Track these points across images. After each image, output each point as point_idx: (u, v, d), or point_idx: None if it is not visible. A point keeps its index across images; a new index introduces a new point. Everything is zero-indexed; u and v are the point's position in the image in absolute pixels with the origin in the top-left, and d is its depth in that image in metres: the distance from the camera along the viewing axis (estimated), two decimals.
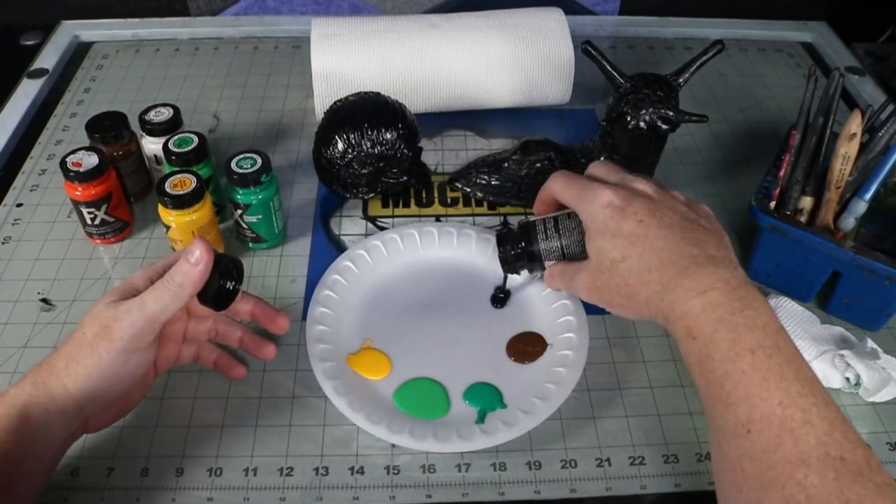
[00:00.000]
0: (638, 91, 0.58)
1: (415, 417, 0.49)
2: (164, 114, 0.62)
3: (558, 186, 0.50)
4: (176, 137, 0.60)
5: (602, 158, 0.63)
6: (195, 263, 0.44)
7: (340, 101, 0.63)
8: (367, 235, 0.63)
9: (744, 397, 0.37)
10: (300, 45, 0.87)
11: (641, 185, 0.47)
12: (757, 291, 0.41)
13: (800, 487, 0.34)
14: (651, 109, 0.58)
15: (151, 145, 0.62)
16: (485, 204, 0.67)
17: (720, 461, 0.38)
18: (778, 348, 0.38)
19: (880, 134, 0.53)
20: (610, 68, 0.60)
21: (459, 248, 0.61)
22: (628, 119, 0.59)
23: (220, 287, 0.46)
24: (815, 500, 0.33)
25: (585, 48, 0.61)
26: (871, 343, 0.52)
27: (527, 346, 0.54)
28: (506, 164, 0.65)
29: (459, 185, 0.67)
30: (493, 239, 0.60)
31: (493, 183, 0.66)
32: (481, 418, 0.49)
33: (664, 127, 0.58)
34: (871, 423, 0.51)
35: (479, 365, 0.53)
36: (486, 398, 0.51)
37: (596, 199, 0.46)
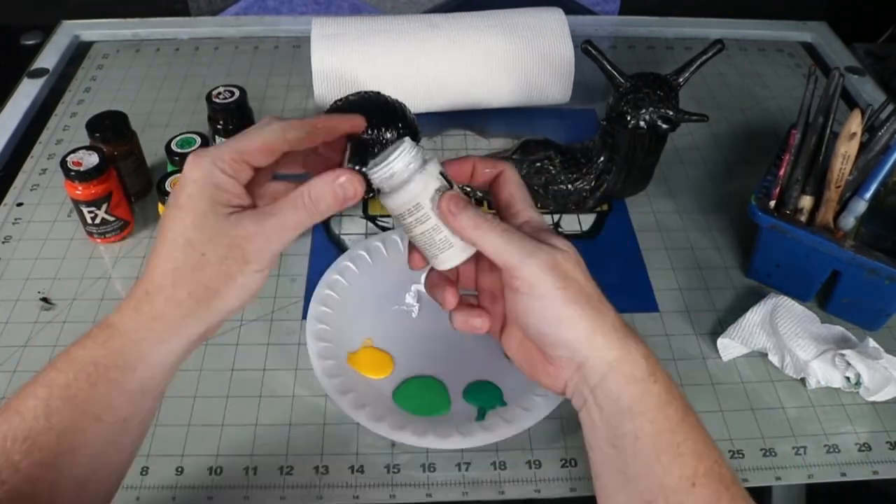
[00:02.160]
0: (638, 91, 0.59)
1: (415, 415, 0.49)
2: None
3: (465, 222, 0.38)
4: (179, 138, 0.60)
5: (601, 159, 0.63)
6: (343, 199, 0.38)
7: (341, 100, 0.63)
8: (367, 235, 0.63)
9: (691, 452, 0.36)
10: (300, 45, 0.87)
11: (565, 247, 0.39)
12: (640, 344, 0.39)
13: None
14: (651, 109, 0.58)
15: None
16: (485, 204, 0.67)
17: None
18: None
19: (880, 133, 0.53)
20: (610, 68, 0.60)
21: None
22: (628, 118, 0.59)
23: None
24: None
25: (585, 48, 0.61)
26: (872, 342, 0.52)
27: None
28: None
29: (460, 186, 0.67)
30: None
31: None
32: (482, 416, 0.49)
33: (664, 126, 0.58)
34: (871, 423, 0.51)
35: (480, 363, 0.53)
36: (487, 396, 0.51)
37: (551, 256, 0.37)
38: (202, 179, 0.36)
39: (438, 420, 0.49)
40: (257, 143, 0.37)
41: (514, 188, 0.41)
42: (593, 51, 0.60)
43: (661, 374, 0.38)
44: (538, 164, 0.64)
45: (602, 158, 0.63)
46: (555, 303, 0.37)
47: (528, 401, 0.49)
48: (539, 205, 0.66)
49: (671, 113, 0.58)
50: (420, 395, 0.51)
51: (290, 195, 0.37)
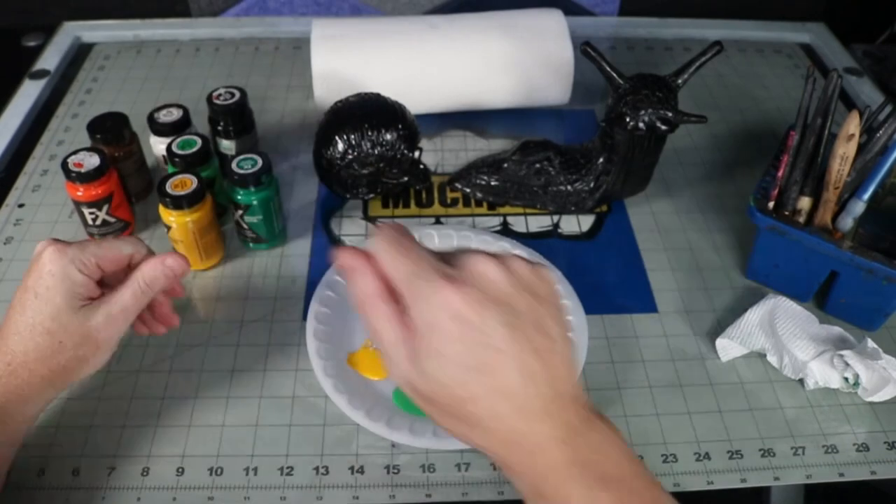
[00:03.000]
0: (637, 92, 0.59)
1: (414, 416, 0.49)
2: (174, 114, 0.63)
3: (387, 260, 0.36)
4: (179, 140, 0.60)
5: (601, 160, 0.63)
6: (173, 276, 0.46)
7: (341, 101, 0.64)
8: (367, 236, 0.64)
9: None
10: (301, 46, 0.87)
11: (483, 266, 0.35)
12: (600, 422, 0.36)
13: None
14: (650, 110, 0.58)
15: (159, 145, 0.63)
16: (484, 204, 0.67)
17: None
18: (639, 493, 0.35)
19: (878, 135, 0.54)
20: (609, 69, 0.61)
21: (455, 245, 0.61)
22: (627, 120, 0.59)
23: None
24: None
25: (585, 49, 0.61)
26: (871, 343, 0.52)
27: None
28: (505, 165, 0.65)
29: (459, 186, 0.67)
30: (491, 240, 0.60)
31: (492, 183, 0.66)
32: None
33: (663, 128, 0.58)
34: (869, 423, 0.51)
35: None
36: None
37: (437, 301, 0.34)
38: (59, 274, 0.43)
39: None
40: (112, 254, 0.45)
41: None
42: (592, 52, 0.61)
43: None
44: (537, 165, 0.64)
45: (601, 159, 0.63)
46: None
47: None
48: (538, 205, 0.66)
49: (670, 114, 0.58)
50: None
51: (127, 283, 0.45)
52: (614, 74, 0.61)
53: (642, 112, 0.58)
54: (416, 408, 0.49)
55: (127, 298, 0.44)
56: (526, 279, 0.36)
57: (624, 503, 0.34)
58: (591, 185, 0.64)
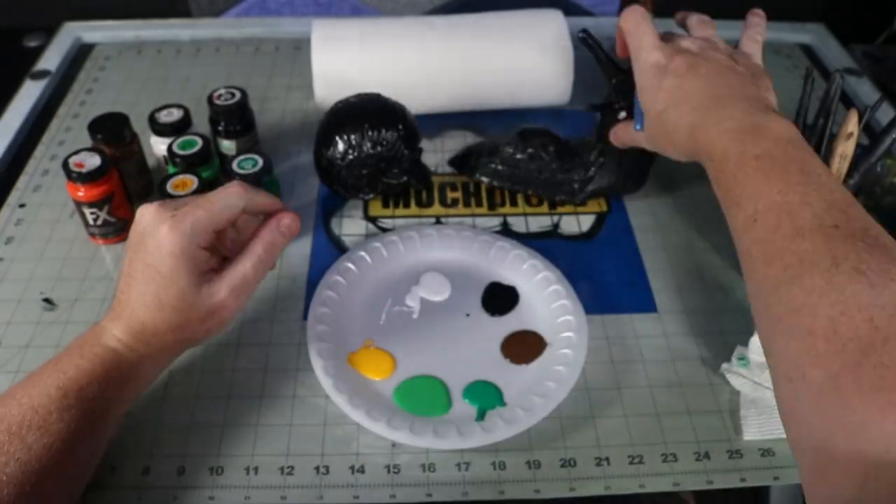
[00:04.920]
0: (631, 82, 0.58)
1: (415, 415, 0.50)
2: (174, 114, 0.63)
3: (629, 26, 0.55)
4: (180, 140, 0.60)
5: (594, 152, 0.63)
6: (289, 237, 0.48)
7: (341, 102, 0.64)
8: (367, 236, 0.64)
9: (749, 195, 0.41)
10: (301, 47, 0.87)
11: (686, 42, 0.54)
12: (778, 116, 0.46)
13: (794, 255, 0.37)
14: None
15: (160, 146, 0.63)
16: (484, 204, 0.67)
17: (740, 257, 0.42)
18: (785, 152, 0.42)
19: (882, 139, 0.53)
20: (605, 58, 0.61)
21: (460, 249, 0.61)
22: (616, 108, 0.59)
23: None
24: (806, 262, 0.36)
25: (582, 37, 0.60)
26: None
27: (523, 347, 0.54)
28: (501, 150, 0.66)
29: (478, 176, 0.67)
30: (491, 240, 0.61)
31: (499, 168, 0.66)
32: (481, 416, 0.49)
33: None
34: None
35: (480, 363, 0.53)
36: (486, 396, 0.51)
37: (644, 58, 0.53)
38: (181, 256, 0.43)
39: (438, 420, 0.49)
40: (225, 216, 0.45)
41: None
42: (589, 40, 0.60)
43: (756, 158, 0.43)
44: (531, 150, 0.64)
45: (595, 152, 0.63)
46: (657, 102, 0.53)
47: (528, 401, 0.49)
48: (530, 191, 0.66)
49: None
50: (420, 395, 0.51)
51: (247, 253, 0.46)
52: (609, 63, 0.61)
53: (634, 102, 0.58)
54: (416, 407, 0.50)
55: (248, 270, 0.45)
56: (718, 51, 0.55)
57: (771, 154, 0.43)
58: (583, 175, 0.65)
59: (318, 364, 0.51)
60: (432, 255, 0.61)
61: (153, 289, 0.43)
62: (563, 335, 0.54)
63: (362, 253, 0.59)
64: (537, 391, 0.50)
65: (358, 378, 0.52)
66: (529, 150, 0.64)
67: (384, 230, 0.64)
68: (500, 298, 0.58)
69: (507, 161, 0.66)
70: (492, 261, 0.60)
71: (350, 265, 0.58)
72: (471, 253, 0.61)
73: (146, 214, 0.44)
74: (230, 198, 0.45)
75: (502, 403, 0.50)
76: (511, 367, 0.53)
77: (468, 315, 0.56)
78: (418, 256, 0.60)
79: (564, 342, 0.53)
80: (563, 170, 0.65)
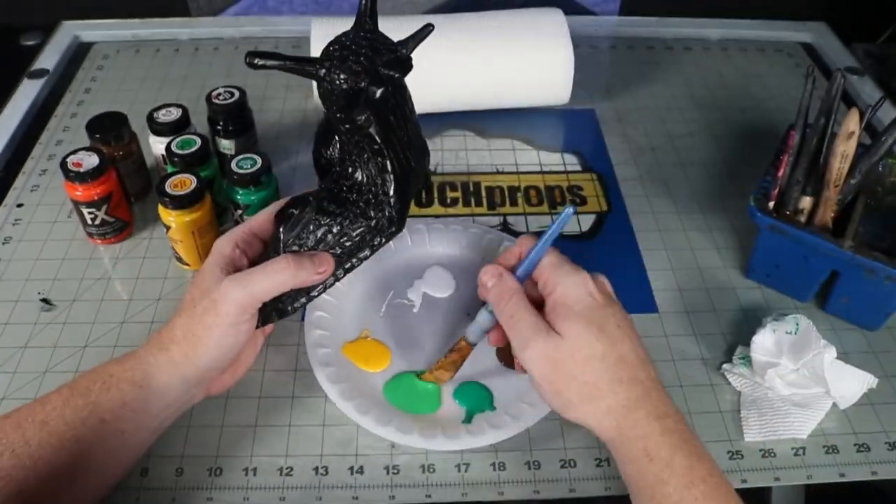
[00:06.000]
0: (344, 60, 0.44)
1: (404, 411, 0.49)
2: (173, 114, 0.62)
3: (547, 258, 0.46)
4: (179, 139, 0.60)
5: (367, 162, 0.47)
6: (318, 272, 0.47)
7: None
8: None
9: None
10: (300, 46, 0.87)
11: (608, 285, 0.46)
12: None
13: None
14: (367, 60, 0.43)
15: (158, 145, 0.62)
16: (484, 204, 0.67)
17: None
18: (721, 478, 0.40)
19: (883, 139, 0.53)
20: (294, 64, 0.44)
21: (468, 246, 0.60)
22: (360, 88, 0.43)
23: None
24: None
25: (251, 62, 0.44)
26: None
27: None
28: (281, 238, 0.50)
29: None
30: (498, 238, 0.60)
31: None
32: (469, 418, 0.49)
33: (401, 54, 0.45)
34: (870, 423, 0.51)
35: (474, 365, 0.52)
36: (476, 398, 0.50)
37: (582, 284, 0.44)
38: (216, 252, 0.47)
39: (425, 418, 0.49)
40: (263, 215, 0.49)
41: (543, 270, 0.46)
42: (260, 62, 0.44)
43: (659, 447, 0.41)
44: (298, 230, 0.48)
45: (367, 160, 0.48)
46: (545, 393, 0.43)
47: (517, 408, 0.49)
48: (347, 266, 0.49)
49: (395, 47, 0.45)
50: (410, 391, 0.51)
51: (270, 261, 0.46)
52: (303, 62, 0.44)
53: (358, 68, 0.43)
54: (406, 403, 0.49)
55: (256, 273, 0.45)
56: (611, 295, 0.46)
57: (714, 478, 0.40)
58: (380, 187, 0.48)
59: (312, 351, 0.51)
60: (439, 250, 0.60)
61: (214, 341, 0.44)
62: None
63: None
64: (527, 399, 0.49)
65: (352, 369, 0.52)
66: (296, 231, 0.49)
67: None
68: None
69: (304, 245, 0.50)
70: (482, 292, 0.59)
71: None
72: (478, 250, 0.60)
73: (226, 290, 0.45)
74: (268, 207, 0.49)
75: (492, 407, 0.50)
76: (505, 372, 0.53)
77: (469, 314, 0.56)
78: (425, 250, 0.60)
79: None
80: (356, 213, 0.48)
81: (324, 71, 0.44)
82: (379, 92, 0.43)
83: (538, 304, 0.45)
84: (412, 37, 0.47)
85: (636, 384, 0.42)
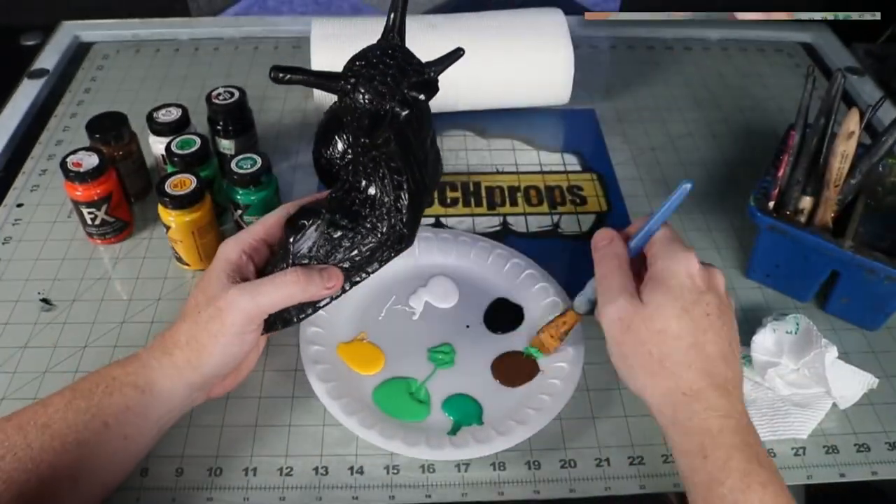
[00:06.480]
0: (369, 78, 0.43)
1: (389, 417, 0.49)
2: (173, 114, 0.62)
3: (660, 233, 0.46)
4: (179, 139, 0.60)
5: (385, 178, 0.47)
6: (326, 287, 0.46)
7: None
8: None
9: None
10: (300, 46, 0.87)
11: (719, 279, 0.45)
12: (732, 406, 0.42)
13: None
14: (394, 81, 0.43)
15: (158, 145, 0.62)
16: (484, 204, 0.67)
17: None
18: (782, 488, 0.40)
19: (883, 139, 0.53)
20: (319, 78, 0.46)
21: (474, 259, 0.60)
22: (384, 108, 0.42)
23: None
24: None
25: (275, 76, 0.45)
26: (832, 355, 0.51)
27: (515, 369, 0.52)
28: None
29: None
30: (507, 254, 0.59)
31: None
32: (454, 430, 0.49)
33: (429, 79, 0.44)
34: (870, 423, 0.51)
35: (467, 377, 0.52)
36: (465, 411, 0.50)
37: (684, 263, 0.44)
38: (222, 257, 0.46)
39: (411, 426, 0.49)
40: (271, 220, 0.48)
41: (653, 244, 0.46)
42: (284, 76, 0.45)
43: (716, 447, 0.40)
44: (304, 240, 0.48)
45: (383, 176, 0.47)
46: (613, 355, 0.45)
47: (504, 425, 0.48)
48: (355, 279, 0.49)
49: (426, 71, 0.45)
50: (399, 398, 0.50)
51: (279, 273, 0.46)
52: (328, 78, 0.45)
53: (384, 89, 0.42)
54: (394, 409, 0.49)
55: (264, 284, 0.45)
56: (730, 309, 0.45)
57: (774, 486, 0.39)
58: (393, 203, 0.47)
59: (305, 348, 0.51)
60: (446, 260, 0.60)
61: (220, 348, 0.44)
62: (557, 364, 0.52)
63: None
64: (516, 416, 0.49)
65: (343, 369, 0.51)
66: (304, 242, 0.48)
67: None
68: (503, 315, 0.56)
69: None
70: (504, 276, 0.58)
71: None
72: (484, 264, 0.59)
73: (232, 299, 0.44)
74: (275, 211, 0.49)
75: (479, 422, 0.49)
76: (497, 387, 0.52)
77: (468, 326, 0.55)
78: (431, 259, 0.60)
79: (556, 372, 0.51)
80: (367, 228, 0.48)
81: (349, 87, 0.43)
82: (404, 114, 0.42)
83: (642, 280, 0.45)
84: (442, 59, 0.46)
85: (705, 376, 0.41)
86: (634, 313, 0.43)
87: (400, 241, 0.48)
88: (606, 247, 0.47)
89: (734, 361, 0.43)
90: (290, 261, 0.48)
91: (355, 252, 0.48)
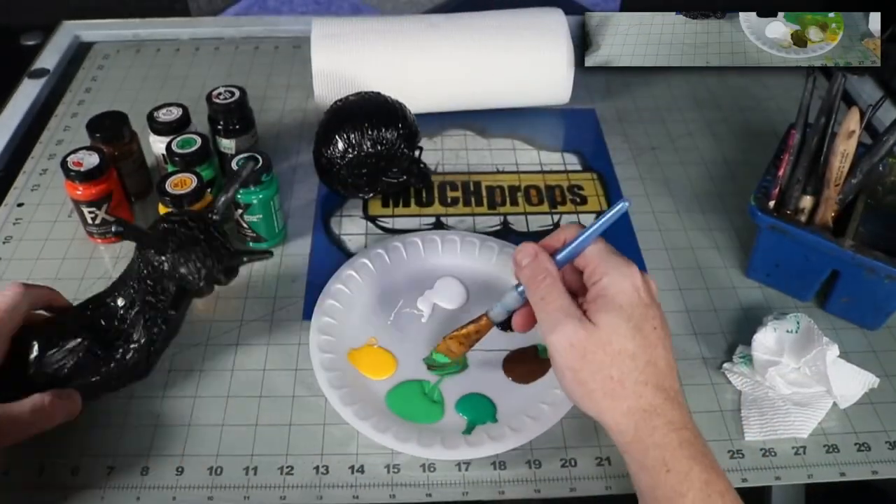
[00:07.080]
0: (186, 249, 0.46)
1: (404, 420, 0.49)
2: (173, 113, 0.62)
3: (595, 246, 0.44)
4: (179, 139, 0.60)
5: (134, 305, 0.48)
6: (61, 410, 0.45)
7: (341, 100, 0.63)
8: (367, 235, 0.63)
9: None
10: (300, 46, 0.87)
11: (655, 287, 0.44)
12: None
13: None
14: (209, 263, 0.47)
15: (159, 144, 0.62)
16: (485, 203, 0.67)
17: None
18: (735, 494, 0.40)
19: (884, 139, 0.53)
20: (139, 237, 0.47)
21: (482, 260, 0.60)
22: (200, 285, 0.47)
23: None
24: None
25: (118, 231, 0.47)
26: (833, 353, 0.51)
27: (526, 367, 0.53)
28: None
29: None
30: (496, 247, 0.60)
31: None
32: (469, 430, 0.49)
33: (228, 281, 0.49)
34: (871, 422, 0.51)
35: (480, 376, 0.52)
36: (479, 410, 0.50)
37: (630, 277, 0.42)
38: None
39: (425, 427, 0.49)
40: (14, 318, 0.45)
41: (590, 258, 0.44)
42: (123, 230, 0.47)
43: (676, 459, 0.40)
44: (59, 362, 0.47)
45: (145, 324, 0.48)
46: (566, 380, 0.42)
47: (519, 421, 0.48)
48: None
49: (234, 252, 0.48)
50: (413, 401, 0.50)
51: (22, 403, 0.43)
52: (150, 241, 0.47)
53: (200, 268, 0.47)
54: (408, 412, 0.49)
55: (17, 406, 0.43)
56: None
57: (731, 493, 0.40)
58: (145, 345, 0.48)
59: (316, 356, 0.51)
60: (453, 262, 0.60)
61: None
62: None
63: (380, 251, 0.59)
64: (530, 412, 0.49)
65: (356, 375, 0.51)
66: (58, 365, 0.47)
67: (384, 229, 0.64)
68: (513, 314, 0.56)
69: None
70: (510, 274, 0.58)
71: (366, 261, 0.58)
72: (492, 265, 0.59)
73: None
74: (9, 299, 0.45)
75: (494, 420, 0.50)
76: (510, 385, 0.52)
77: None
78: (438, 261, 0.60)
79: None
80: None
81: (167, 256, 0.46)
82: (206, 292, 0.47)
83: (575, 294, 0.44)
84: (251, 252, 0.54)
85: (660, 391, 0.41)
86: (587, 338, 0.41)
87: (140, 376, 0.50)
88: (534, 263, 0.44)
89: (676, 372, 0.43)
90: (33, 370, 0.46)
91: (97, 377, 0.47)
